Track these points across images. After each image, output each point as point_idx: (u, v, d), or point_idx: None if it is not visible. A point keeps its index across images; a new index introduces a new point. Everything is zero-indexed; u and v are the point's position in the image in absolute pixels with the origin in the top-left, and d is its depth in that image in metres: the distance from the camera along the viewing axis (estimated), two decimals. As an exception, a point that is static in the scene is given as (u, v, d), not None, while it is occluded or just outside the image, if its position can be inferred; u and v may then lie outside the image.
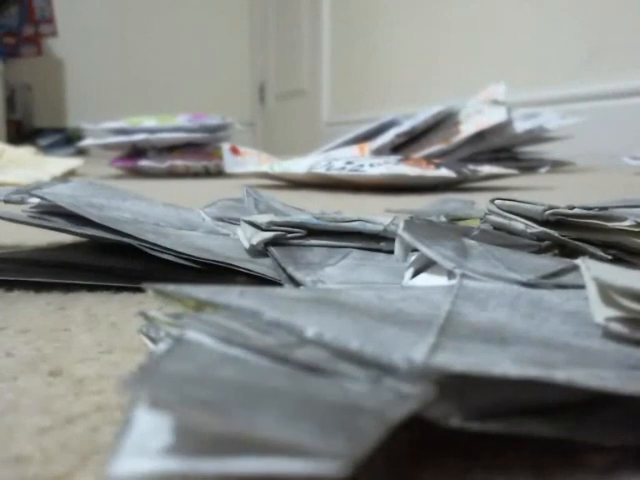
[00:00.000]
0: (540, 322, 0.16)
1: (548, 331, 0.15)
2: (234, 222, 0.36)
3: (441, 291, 0.19)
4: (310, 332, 0.14)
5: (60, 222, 0.31)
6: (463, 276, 0.20)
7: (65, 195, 0.33)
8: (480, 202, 0.50)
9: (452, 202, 0.51)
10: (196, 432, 0.08)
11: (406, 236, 0.24)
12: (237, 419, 0.09)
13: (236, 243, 0.32)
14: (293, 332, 0.14)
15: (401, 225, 0.25)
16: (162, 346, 0.13)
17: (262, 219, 0.32)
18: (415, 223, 0.26)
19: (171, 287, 0.17)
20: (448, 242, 0.24)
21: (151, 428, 0.09)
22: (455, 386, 0.12)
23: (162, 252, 0.28)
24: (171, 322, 0.15)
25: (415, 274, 0.23)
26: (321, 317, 0.15)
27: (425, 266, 0.23)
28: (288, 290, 0.19)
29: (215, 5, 3.35)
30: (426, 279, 0.23)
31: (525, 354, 0.13)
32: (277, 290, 0.18)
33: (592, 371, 0.13)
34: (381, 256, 0.29)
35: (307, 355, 0.13)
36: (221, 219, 0.37)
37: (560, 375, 0.12)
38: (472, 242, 0.25)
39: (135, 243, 0.28)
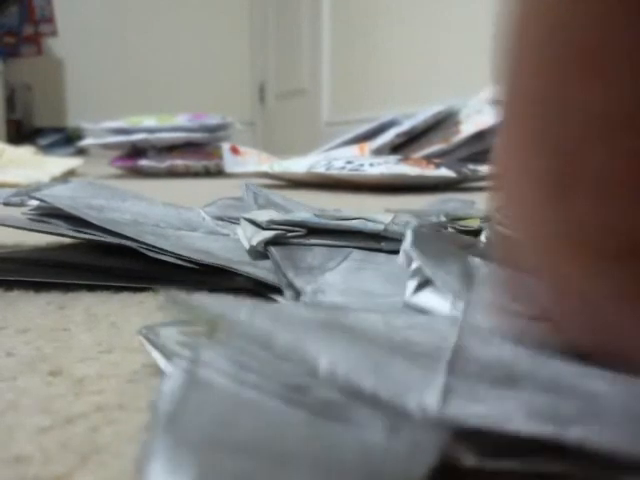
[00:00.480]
0: (545, 360, 0.16)
1: (552, 372, 0.15)
2: (234, 221, 0.36)
3: (446, 321, 0.19)
4: (323, 366, 0.14)
5: (60, 225, 0.31)
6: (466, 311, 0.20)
7: (64, 197, 0.33)
8: (480, 202, 0.50)
9: (452, 202, 0.51)
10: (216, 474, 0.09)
11: (413, 254, 0.24)
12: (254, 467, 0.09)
13: (236, 244, 0.32)
14: (305, 364, 0.14)
15: (409, 237, 0.25)
16: (174, 380, 0.13)
17: (262, 217, 0.31)
18: (422, 235, 0.26)
19: (185, 297, 0.17)
20: (453, 264, 0.23)
21: (172, 468, 0.09)
22: (470, 430, 0.12)
23: (161, 254, 0.28)
24: (182, 352, 0.15)
25: (418, 287, 0.23)
26: (332, 345, 0.15)
27: (428, 281, 0.23)
28: (297, 308, 0.19)
29: (215, 5, 3.35)
30: (429, 298, 0.22)
31: (536, 403, 0.13)
32: (287, 309, 0.18)
33: (604, 429, 0.12)
34: (381, 257, 0.29)
35: (322, 398, 0.13)
36: (221, 218, 0.37)
37: (572, 435, 0.12)
38: (477, 261, 0.24)
39: (134, 245, 0.28)
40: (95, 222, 0.30)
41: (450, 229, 0.35)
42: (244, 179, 1.11)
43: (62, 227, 0.31)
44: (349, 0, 2.58)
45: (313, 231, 0.31)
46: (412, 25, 2.22)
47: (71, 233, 0.30)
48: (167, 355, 0.17)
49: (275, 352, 0.14)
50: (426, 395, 0.13)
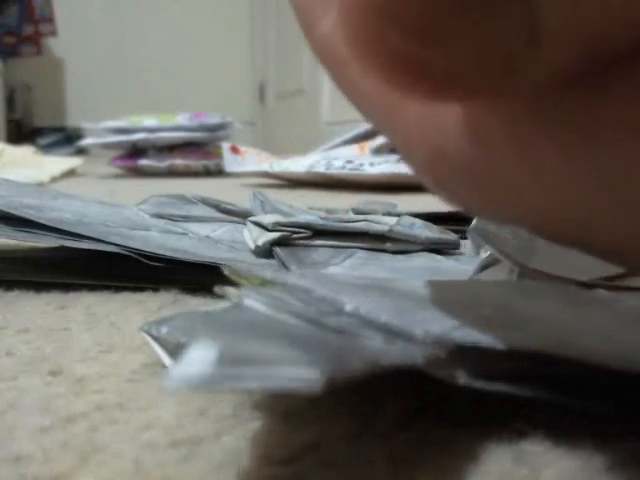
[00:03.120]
0: (588, 316, 0.17)
1: (592, 325, 0.16)
2: (176, 219, 0.36)
3: (499, 284, 0.20)
4: (348, 307, 0.15)
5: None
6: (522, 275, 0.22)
7: None
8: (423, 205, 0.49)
9: (374, 204, 0.51)
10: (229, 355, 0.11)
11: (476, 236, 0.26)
12: (253, 345, 0.11)
13: (202, 242, 0.31)
14: (334, 305, 0.16)
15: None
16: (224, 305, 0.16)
17: (268, 219, 0.32)
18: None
19: (243, 267, 0.20)
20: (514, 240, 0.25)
21: (200, 355, 0.11)
22: (464, 353, 0.14)
23: (151, 256, 0.27)
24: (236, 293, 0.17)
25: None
26: (365, 297, 0.16)
27: (490, 264, 0.25)
28: (345, 276, 0.20)
29: (215, 5, 3.35)
30: (488, 275, 0.24)
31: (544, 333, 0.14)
32: (335, 275, 0.19)
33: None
34: (386, 256, 0.29)
35: (338, 321, 0.15)
36: (161, 216, 0.36)
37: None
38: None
39: (119, 250, 0.27)
40: (46, 223, 0.28)
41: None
42: (244, 179, 1.11)
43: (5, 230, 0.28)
44: None
45: (318, 233, 0.31)
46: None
47: (17, 236, 0.28)
48: (169, 350, 0.17)
49: (312, 297, 0.16)
50: (434, 326, 0.14)
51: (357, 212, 0.39)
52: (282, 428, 0.14)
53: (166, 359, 0.17)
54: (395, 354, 0.13)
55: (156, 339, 0.18)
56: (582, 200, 0.10)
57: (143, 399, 0.16)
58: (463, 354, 0.13)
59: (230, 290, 0.18)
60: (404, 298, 0.17)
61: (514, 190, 0.11)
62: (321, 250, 0.29)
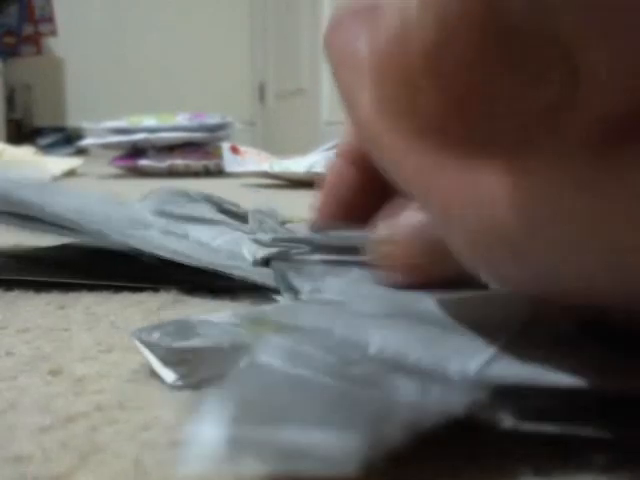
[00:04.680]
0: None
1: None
2: (177, 219, 0.35)
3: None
4: (373, 349, 0.14)
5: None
6: None
7: None
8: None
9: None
10: (242, 442, 0.10)
11: None
12: (273, 428, 0.10)
13: (202, 247, 0.31)
14: (357, 349, 0.14)
15: None
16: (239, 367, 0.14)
17: (266, 236, 0.31)
18: None
19: (256, 313, 0.18)
20: None
21: (209, 438, 0.10)
22: (507, 390, 0.12)
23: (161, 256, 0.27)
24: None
25: None
26: (388, 331, 0.15)
27: None
28: (368, 306, 0.19)
29: (215, 5, 3.35)
30: None
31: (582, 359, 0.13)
32: (356, 307, 0.19)
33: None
34: None
35: (362, 370, 0.13)
36: (163, 213, 0.36)
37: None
38: None
39: (114, 244, 0.27)
40: (50, 219, 0.28)
41: None
42: (244, 179, 1.11)
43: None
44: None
45: (318, 248, 0.30)
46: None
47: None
48: (159, 356, 0.17)
49: (333, 340, 0.15)
50: (469, 361, 0.13)
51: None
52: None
53: (156, 365, 0.17)
54: (433, 407, 0.12)
55: (147, 344, 0.18)
56: None
57: (143, 399, 0.16)
58: (504, 394, 0.12)
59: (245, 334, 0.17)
60: (428, 323, 0.16)
61: (574, 267, 0.11)
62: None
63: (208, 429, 0.10)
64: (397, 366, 0.13)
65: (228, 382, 0.13)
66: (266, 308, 0.22)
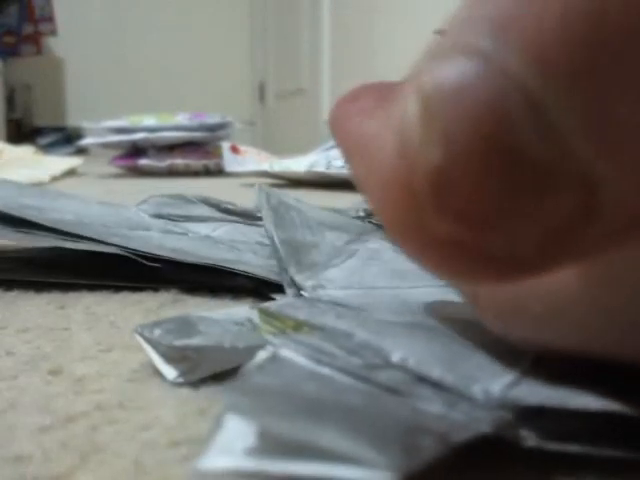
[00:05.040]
0: None
1: None
2: (176, 219, 0.36)
3: None
4: (396, 357, 0.14)
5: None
6: None
7: None
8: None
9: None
10: (273, 438, 0.10)
11: None
12: (304, 429, 0.10)
13: (202, 242, 0.31)
14: (380, 355, 0.14)
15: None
16: (258, 359, 0.14)
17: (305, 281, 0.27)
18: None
19: (274, 307, 0.18)
20: None
21: (237, 432, 0.10)
22: (531, 411, 0.12)
23: (152, 258, 0.27)
24: (271, 339, 0.16)
25: None
26: (410, 341, 0.15)
27: None
28: (385, 313, 0.19)
29: (215, 4, 3.35)
30: None
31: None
32: (374, 314, 0.19)
33: None
34: (389, 254, 0.29)
35: (388, 377, 0.14)
36: (160, 216, 0.36)
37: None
38: None
39: (118, 251, 0.27)
40: (46, 224, 0.28)
41: (368, 222, 0.36)
42: (244, 178, 1.11)
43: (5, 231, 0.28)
44: (349, -1, 2.58)
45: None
46: (413, 25, 2.22)
47: (25, 239, 0.28)
48: (161, 353, 0.17)
49: (353, 343, 0.15)
50: (493, 383, 0.13)
51: (368, 212, 0.39)
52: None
53: (158, 361, 0.17)
54: (460, 422, 0.12)
55: (149, 341, 0.18)
56: None
57: (143, 398, 0.16)
58: (529, 414, 0.12)
59: (267, 334, 0.17)
60: (449, 338, 0.16)
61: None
62: (322, 248, 0.29)
63: (233, 424, 0.10)
64: (421, 378, 0.13)
65: (249, 376, 0.13)
66: (282, 304, 0.22)
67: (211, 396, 0.16)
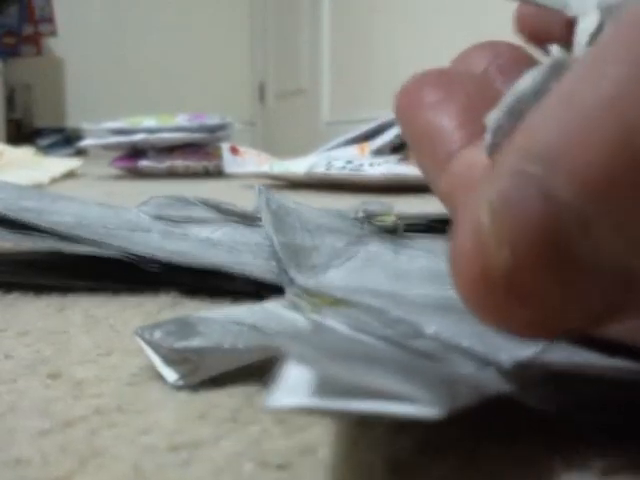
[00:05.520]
0: None
1: None
2: (176, 220, 0.36)
3: None
4: (429, 330, 0.16)
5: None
6: None
7: None
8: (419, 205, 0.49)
9: (372, 204, 0.51)
10: (330, 382, 0.11)
11: None
12: (359, 374, 0.11)
13: (202, 244, 0.31)
14: (414, 328, 0.16)
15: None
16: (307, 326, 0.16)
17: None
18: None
19: (313, 285, 0.20)
20: None
21: (298, 378, 0.11)
22: (556, 379, 0.14)
23: (149, 261, 0.27)
24: (314, 310, 0.18)
25: None
26: (441, 319, 0.17)
27: None
28: (416, 296, 0.21)
29: (214, 5, 3.35)
30: None
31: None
32: (406, 296, 0.20)
33: None
34: (389, 256, 0.29)
35: (423, 345, 0.15)
36: (160, 217, 0.36)
37: None
38: None
39: (111, 253, 0.27)
40: (45, 226, 0.28)
41: (368, 224, 0.37)
42: (244, 180, 1.11)
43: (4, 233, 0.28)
44: None
45: None
46: (413, 25, 2.22)
47: (26, 241, 0.28)
48: (161, 355, 0.17)
49: (388, 318, 0.17)
50: (520, 352, 0.14)
51: (368, 214, 0.39)
52: (279, 432, 0.14)
53: (158, 363, 0.17)
54: (489, 381, 0.13)
55: (149, 343, 0.18)
56: None
57: (142, 402, 0.16)
58: (555, 380, 0.14)
59: (305, 305, 0.18)
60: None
61: None
62: (322, 249, 0.29)
63: (295, 369, 0.11)
64: (453, 348, 0.15)
65: (302, 336, 0.14)
66: (321, 283, 0.23)
67: (211, 400, 0.16)
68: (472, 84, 0.16)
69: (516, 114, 0.13)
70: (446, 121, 0.15)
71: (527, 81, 0.13)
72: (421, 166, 0.16)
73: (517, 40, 0.18)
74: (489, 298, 0.11)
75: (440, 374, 0.13)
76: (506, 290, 0.11)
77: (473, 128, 0.15)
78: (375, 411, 0.10)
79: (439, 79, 0.16)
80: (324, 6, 2.71)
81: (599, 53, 0.10)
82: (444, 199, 0.15)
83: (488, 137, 0.13)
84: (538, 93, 0.12)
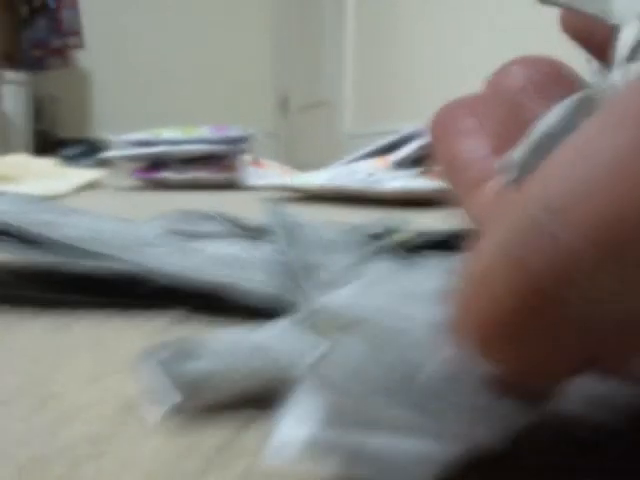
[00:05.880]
0: None
1: None
2: (190, 235, 0.35)
3: None
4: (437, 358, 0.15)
5: (11, 246, 0.28)
6: None
7: (6, 212, 0.30)
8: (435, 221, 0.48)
9: (390, 219, 0.50)
10: (342, 413, 0.10)
11: None
12: (376, 408, 0.11)
13: (212, 260, 0.31)
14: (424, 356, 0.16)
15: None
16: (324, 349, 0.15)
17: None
18: None
19: (324, 302, 0.20)
20: None
21: (309, 407, 0.11)
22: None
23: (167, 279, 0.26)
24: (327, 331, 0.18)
25: None
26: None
27: None
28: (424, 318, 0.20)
29: (238, 17, 3.39)
30: None
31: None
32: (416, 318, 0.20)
33: None
34: (399, 275, 0.28)
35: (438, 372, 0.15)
36: (174, 232, 0.36)
37: None
38: None
39: (114, 270, 0.27)
40: (62, 240, 0.28)
41: (385, 240, 0.36)
42: (265, 192, 1.10)
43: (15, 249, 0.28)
44: (373, 10, 2.58)
45: None
46: (437, 36, 2.22)
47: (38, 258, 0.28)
48: (164, 378, 0.17)
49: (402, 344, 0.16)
50: None
51: (386, 230, 0.39)
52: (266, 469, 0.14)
53: (160, 386, 0.17)
54: (504, 414, 0.13)
55: (152, 365, 0.17)
56: None
57: (139, 425, 0.15)
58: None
59: (321, 324, 0.18)
60: None
61: None
62: (332, 268, 0.28)
63: (294, 426, 0.10)
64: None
65: (317, 363, 0.14)
66: (329, 300, 0.22)
67: (198, 433, 0.15)
68: (505, 110, 0.16)
69: (541, 150, 0.12)
70: (478, 150, 0.15)
71: (553, 117, 0.12)
72: (454, 190, 0.17)
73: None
74: (496, 340, 0.11)
75: (460, 405, 0.13)
76: (510, 331, 0.10)
77: (504, 156, 0.15)
78: (386, 446, 0.10)
79: (472, 107, 0.16)
80: (347, 19, 2.72)
81: (618, 107, 0.10)
82: (474, 223, 0.16)
83: (514, 172, 0.13)
84: (564, 129, 0.12)
